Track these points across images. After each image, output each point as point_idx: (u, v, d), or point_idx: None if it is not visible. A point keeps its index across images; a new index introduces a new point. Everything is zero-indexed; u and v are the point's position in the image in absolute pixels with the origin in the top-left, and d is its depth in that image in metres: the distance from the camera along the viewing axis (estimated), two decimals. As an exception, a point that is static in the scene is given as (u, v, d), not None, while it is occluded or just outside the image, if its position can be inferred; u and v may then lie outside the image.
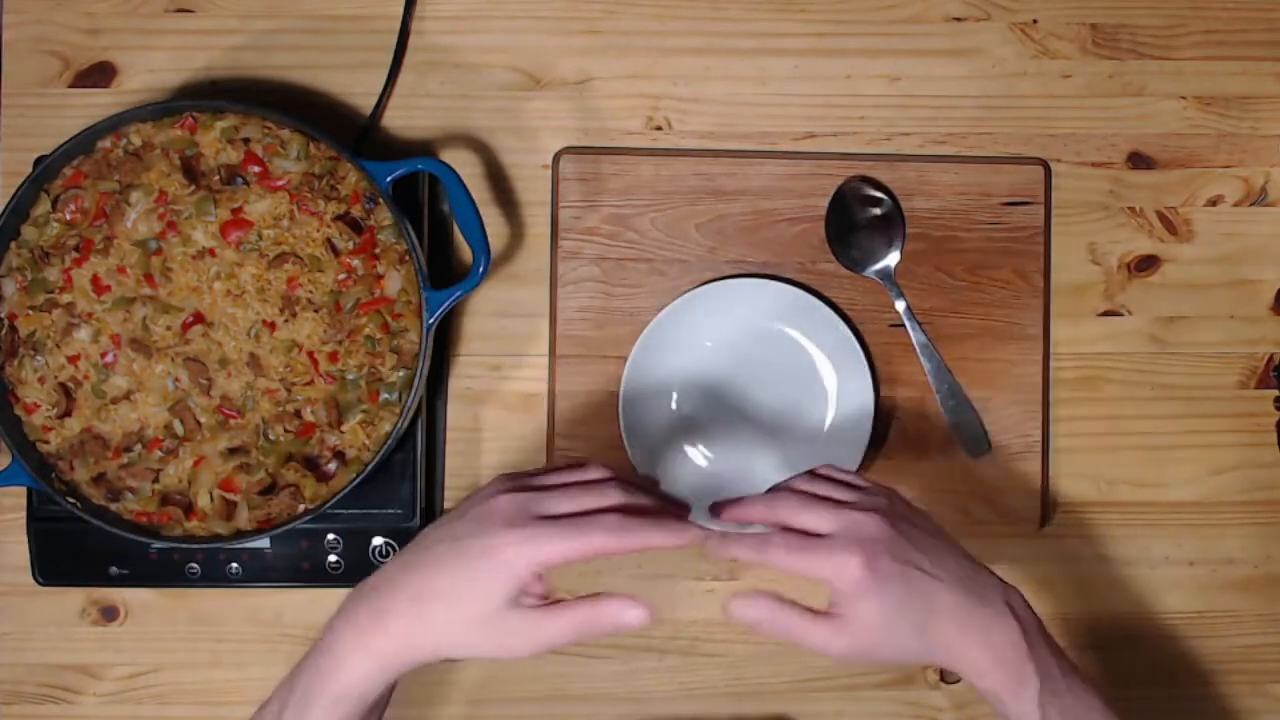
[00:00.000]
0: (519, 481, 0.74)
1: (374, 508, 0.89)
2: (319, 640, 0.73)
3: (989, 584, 0.75)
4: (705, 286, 0.92)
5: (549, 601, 0.71)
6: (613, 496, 0.72)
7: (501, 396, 0.94)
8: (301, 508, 0.84)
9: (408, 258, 0.85)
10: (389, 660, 0.71)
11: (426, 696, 0.92)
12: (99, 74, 0.93)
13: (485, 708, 0.93)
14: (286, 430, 0.85)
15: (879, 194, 0.93)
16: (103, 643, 0.93)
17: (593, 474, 0.74)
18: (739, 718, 0.94)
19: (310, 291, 0.85)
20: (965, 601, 0.73)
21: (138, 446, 0.85)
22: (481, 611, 0.70)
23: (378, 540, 0.89)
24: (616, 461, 0.91)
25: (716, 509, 0.77)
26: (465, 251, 0.94)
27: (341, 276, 0.85)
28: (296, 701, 0.72)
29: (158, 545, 0.88)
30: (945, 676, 0.94)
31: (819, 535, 0.72)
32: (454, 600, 0.70)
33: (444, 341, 0.93)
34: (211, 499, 0.85)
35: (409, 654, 0.71)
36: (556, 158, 0.93)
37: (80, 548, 0.89)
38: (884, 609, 0.71)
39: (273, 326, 0.85)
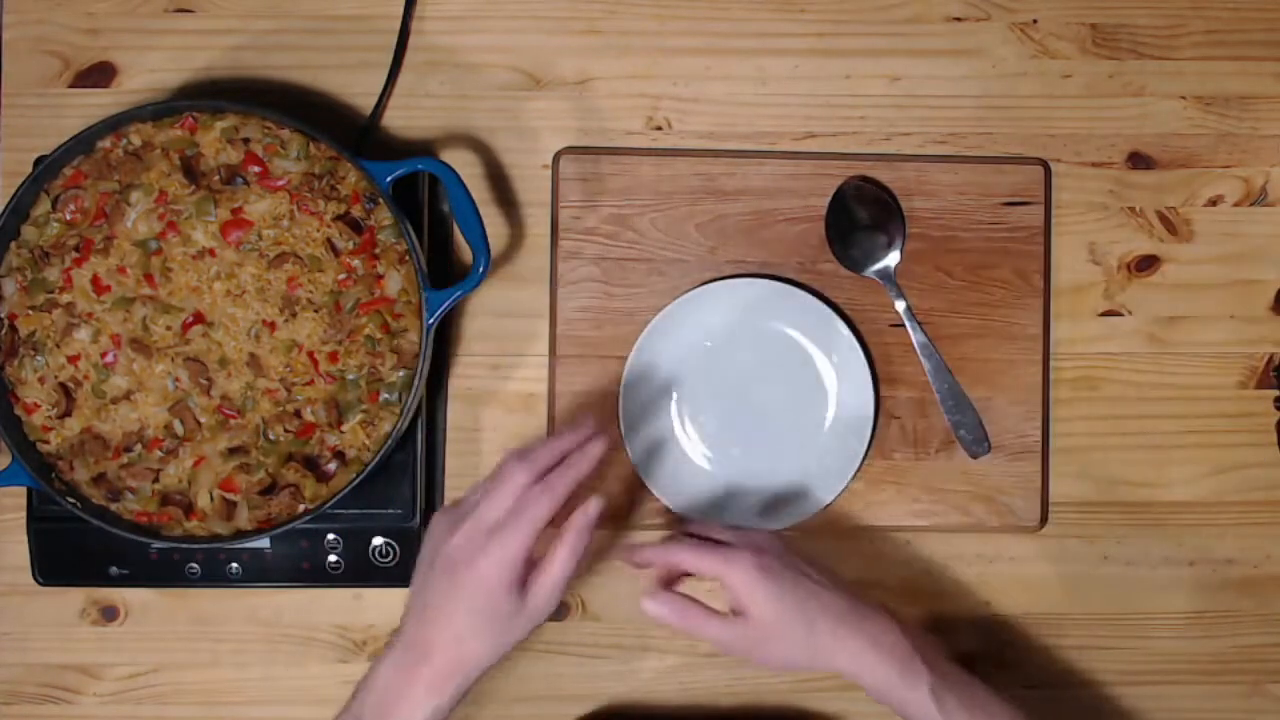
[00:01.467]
0: (455, 513, 0.79)
1: (374, 508, 0.89)
2: (359, 700, 0.78)
3: (869, 598, 0.84)
4: (705, 286, 0.92)
5: (534, 569, 0.78)
6: (520, 476, 0.78)
7: (501, 396, 0.94)
8: (301, 508, 0.84)
9: (408, 258, 0.85)
10: (443, 695, 0.77)
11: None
12: (99, 74, 0.93)
13: (486, 707, 0.93)
14: (286, 430, 0.85)
15: (879, 194, 0.93)
16: (103, 643, 0.93)
17: (506, 470, 0.79)
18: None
19: (310, 291, 0.85)
20: (848, 604, 0.82)
21: (138, 446, 0.85)
22: (506, 617, 0.77)
23: (378, 540, 0.89)
24: (616, 461, 0.92)
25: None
26: (465, 251, 0.94)
27: (341, 276, 0.85)
28: None
29: (158, 545, 0.88)
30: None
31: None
32: (483, 627, 0.77)
33: (444, 341, 0.93)
34: (211, 499, 0.85)
35: (464, 681, 0.77)
36: (556, 158, 0.93)
37: (80, 548, 0.89)
38: (773, 603, 0.80)
39: (273, 326, 0.85)
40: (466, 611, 0.77)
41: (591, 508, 0.79)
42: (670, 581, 0.85)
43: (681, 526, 0.88)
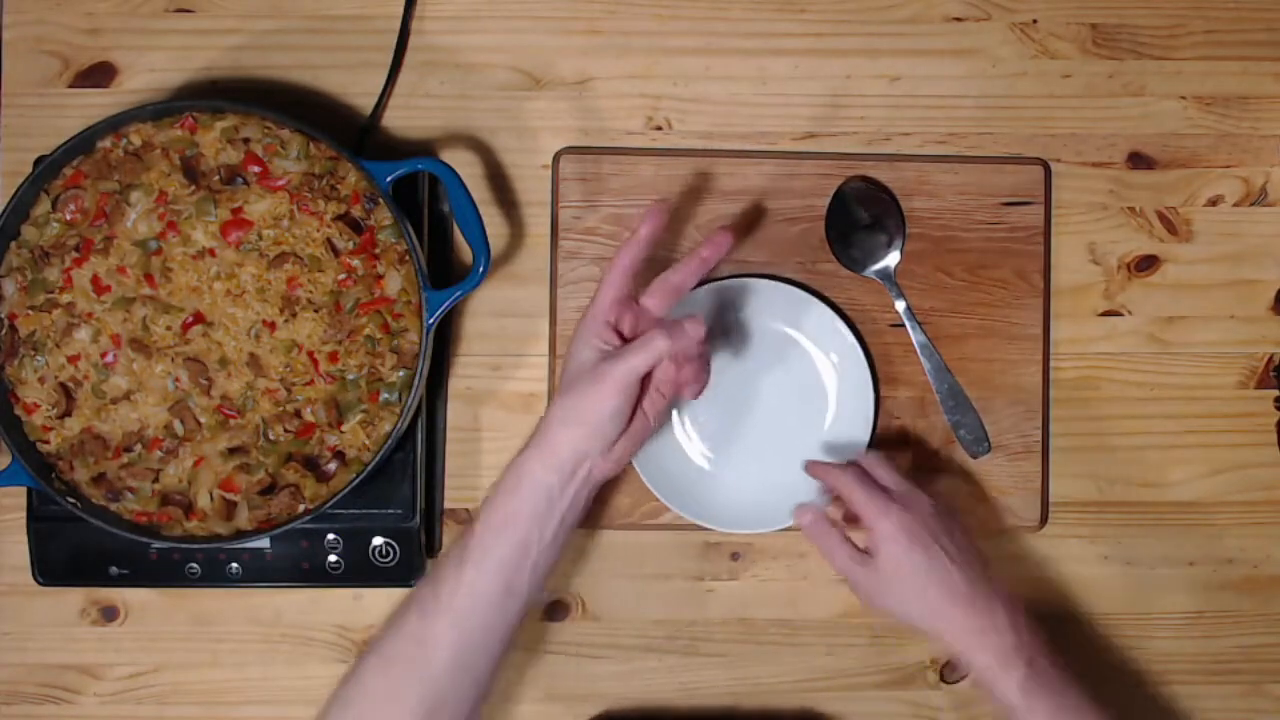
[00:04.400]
0: None
1: (374, 508, 0.89)
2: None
3: (995, 582, 0.85)
4: (705, 286, 0.92)
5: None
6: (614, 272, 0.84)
7: (501, 396, 0.94)
8: (301, 508, 0.84)
9: (408, 258, 0.85)
10: (555, 473, 0.80)
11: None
12: (99, 74, 0.93)
13: (486, 707, 0.93)
14: (286, 430, 0.85)
15: (879, 194, 0.93)
16: (103, 643, 0.93)
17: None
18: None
19: (310, 291, 0.85)
20: (967, 584, 0.83)
21: (138, 446, 0.85)
22: (576, 377, 0.81)
23: (378, 540, 0.89)
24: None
25: (808, 466, 0.90)
26: (465, 251, 0.94)
27: (341, 276, 0.85)
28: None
29: (158, 545, 0.88)
30: (945, 676, 0.94)
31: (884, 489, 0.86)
32: (571, 399, 0.80)
33: (444, 341, 0.93)
34: (211, 499, 0.85)
35: (562, 465, 0.80)
36: (556, 158, 0.93)
37: (80, 548, 0.89)
38: (898, 562, 0.83)
39: (273, 326, 0.85)
40: (564, 385, 0.81)
41: (695, 324, 0.81)
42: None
43: (863, 457, 0.89)
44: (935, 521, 0.84)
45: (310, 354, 0.85)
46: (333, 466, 0.85)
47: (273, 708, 0.93)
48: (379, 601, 0.93)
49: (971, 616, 0.82)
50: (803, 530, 0.87)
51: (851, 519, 0.88)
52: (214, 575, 0.89)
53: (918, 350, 0.93)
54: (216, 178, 0.85)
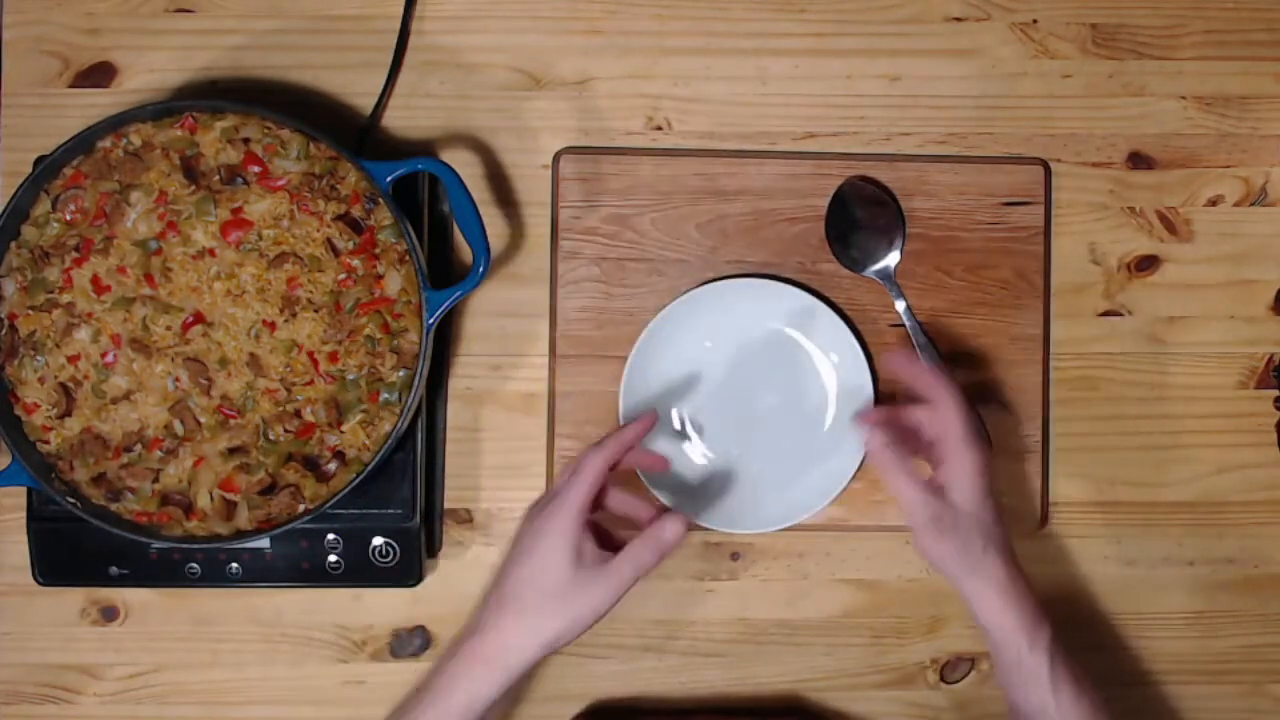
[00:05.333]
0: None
1: (374, 508, 0.89)
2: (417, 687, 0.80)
3: None
4: (705, 286, 0.92)
5: (606, 556, 0.80)
6: (594, 459, 0.82)
7: (501, 396, 0.94)
8: (301, 508, 0.84)
9: (408, 258, 0.85)
10: (483, 680, 0.79)
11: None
12: (99, 74, 0.93)
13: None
14: (286, 430, 0.85)
15: (879, 194, 0.93)
16: (103, 643, 0.93)
17: (581, 457, 0.83)
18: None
19: (310, 291, 0.85)
20: (1009, 542, 0.83)
21: (138, 446, 0.85)
22: (556, 583, 0.79)
23: (378, 540, 0.89)
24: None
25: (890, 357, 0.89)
26: (465, 251, 0.94)
27: (341, 276, 0.85)
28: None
29: (158, 545, 0.88)
30: (945, 676, 0.94)
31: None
32: (534, 600, 0.79)
33: (444, 341, 0.93)
34: (211, 499, 0.85)
35: (501, 666, 0.79)
36: (556, 158, 0.93)
37: (80, 548, 0.89)
38: (980, 498, 0.81)
39: (273, 326, 0.85)
40: (519, 578, 0.79)
41: (676, 527, 0.81)
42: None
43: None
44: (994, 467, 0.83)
45: (310, 354, 0.85)
46: (333, 466, 0.85)
47: (273, 708, 0.93)
48: (379, 601, 0.93)
49: (1018, 573, 0.82)
50: (870, 452, 0.82)
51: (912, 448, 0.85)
52: (214, 575, 0.89)
53: (918, 350, 0.93)
54: (216, 178, 0.85)
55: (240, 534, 0.84)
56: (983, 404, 0.93)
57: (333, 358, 0.85)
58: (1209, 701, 0.95)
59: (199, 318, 0.85)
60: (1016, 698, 0.82)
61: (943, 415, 0.83)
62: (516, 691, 0.93)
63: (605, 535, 0.83)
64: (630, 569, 0.80)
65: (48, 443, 0.85)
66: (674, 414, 0.93)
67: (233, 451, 0.85)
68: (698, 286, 0.92)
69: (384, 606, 0.93)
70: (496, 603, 0.80)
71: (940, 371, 0.85)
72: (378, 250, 0.85)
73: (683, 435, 0.93)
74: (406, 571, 0.89)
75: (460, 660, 0.79)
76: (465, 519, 0.93)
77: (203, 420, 0.85)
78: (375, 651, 0.93)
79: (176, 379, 0.85)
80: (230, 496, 0.85)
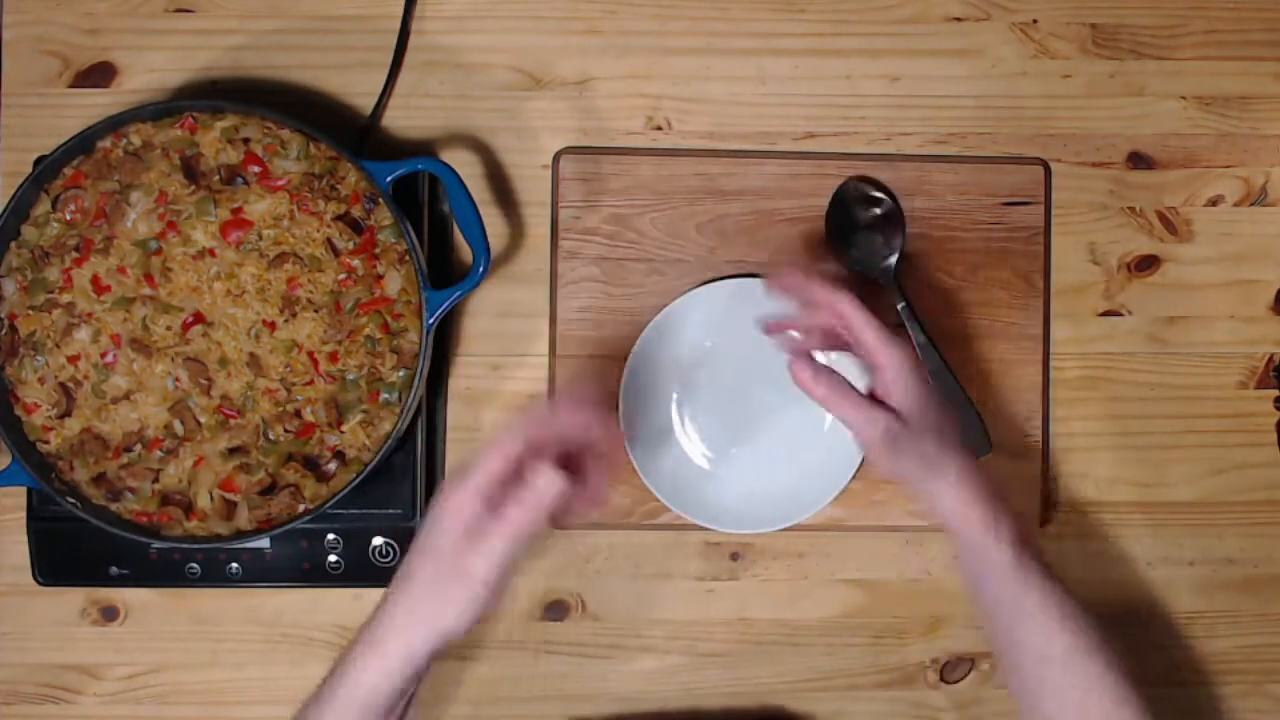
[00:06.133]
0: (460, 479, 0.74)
1: (374, 508, 0.89)
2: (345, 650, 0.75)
3: None
4: (705, 286, 0.92)
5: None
6: (508, 443, 0.74)
7: (501, 396, 0.94)
8: (301, 508, 0.84)
9: (408, 258, 0.85)
10: (397, 659, 0.73)
11: (433, 697, 0.92)
12: (99, 74, 0.93)
13: (487, 707, 0.93)
14: (286, 430, 0.85)
15: (879, 194, 0.93)
16: (103, 643, 0.93)
17: (501, 435, 0.75)
18: (731, 711, 0.94)
19: (310, 291, 0.85)
20: (959, 432, 0.80)
21: (138, 446, 0.85)
22: (441, 568, 0.72)
23: (378, 540, 0.89)
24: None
25: (781, 277, 0.81)
26: (465, 251, 0.94)
27: (341, 276, 0.85)
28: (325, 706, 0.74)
29: (158, 545, 0.88)
30: (945, 676, 0.94)
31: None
32: (420, 578, 0.73)
33: (444, 341, 0.93)
34: (211, 499, 0.85)
35: (381, 650, 0.73)
36: (556, 158, 0.93)
37: (80, 548, 0.89)
38: (920, 396, 0.78)
39: (273, 326, 0.85)
40: (413, 558, 0.73)
41: (547, 477, 0.72)
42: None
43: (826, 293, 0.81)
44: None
45: (310, 354, 0.85)
46: (333, 466, 0.85)
47: (273, 708, 0.93)
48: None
49: (959, 455, 0.79)
50: (806, 388, 0.79)
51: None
52: (214, 575, 0.89)
53: (918, 350, 0.93)
54: (216, 178, 0.85)
55: (240, 534, 0.84)
56: (983, 404, 0.93)
57: (333, 358, 0.85)
58: (1209, 702, 0.95)
59: (199, 318, 0.85)
60: (984, 590, 0.79)
61: (852, 324, 0.79)
62: (518, 690, 0.93)
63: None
64: (501, 539, 0.71)
65: (48, 443, 0.85)
66: (674, 414, 0.93)
67: (233, 451, 0.85)
68: (698, 286, 0.92)
69: (384, 606, 0.93)
70: (393, 584, 0.74)
71: (821, 279, 0.80)
72: (378, 250, 0.85)
73: (682, 435, 0.93)
74: (406, 571, 0.89)
75: (357, 646, 0.74)
76: (465, 519, 0.93)
77: (203, 420, 0.85)
78: (375, 651, 0.93)
79: (176, 379, 0.85)
80: (230, 496, 0.85)
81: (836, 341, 0.81)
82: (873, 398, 0.79)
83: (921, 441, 0.78)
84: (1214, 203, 0.96)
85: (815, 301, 0.81)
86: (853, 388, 0.79)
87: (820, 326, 0.81)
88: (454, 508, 0.72)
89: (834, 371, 0.80)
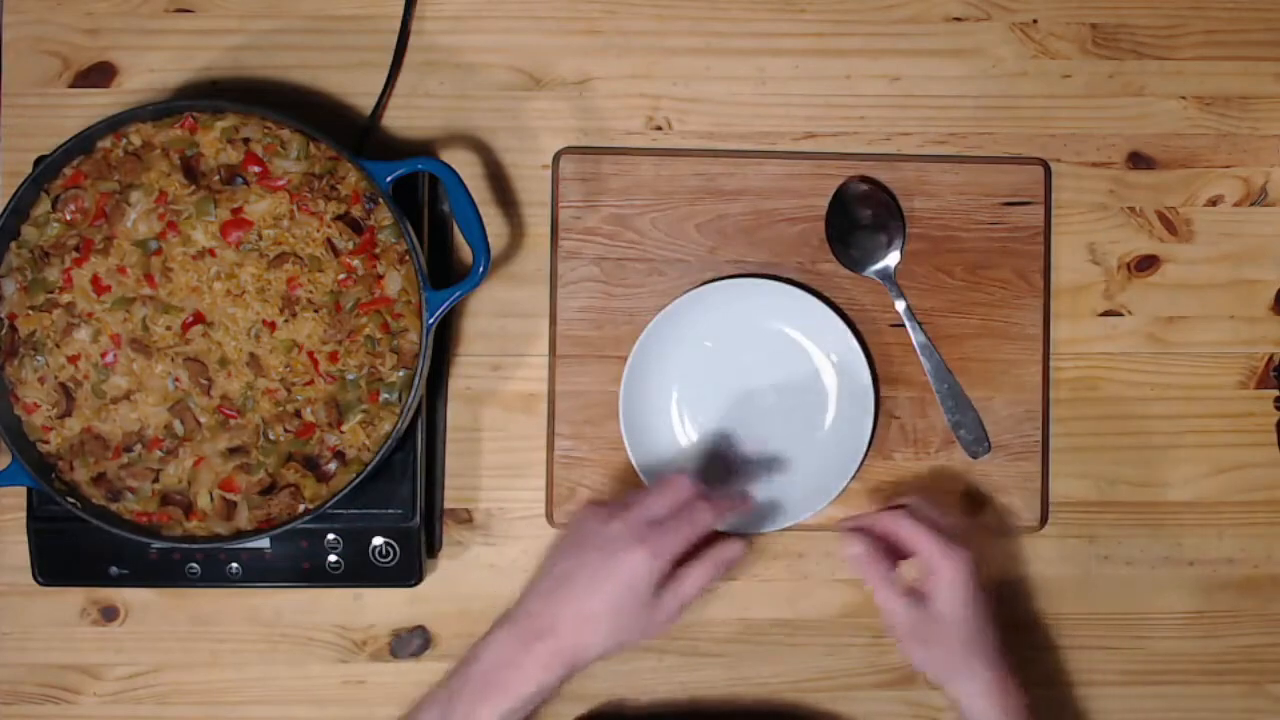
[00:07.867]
0: (612, 506, 0.83)
1: (374, 508, 0.89)
2: (464, 670, 0.79)
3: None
4: (705, 286, 0.92)
5: (670, 577, 0.81)
6: (688, 488, 0.83)
7: (501, 396, 0.94)
8: (301, 508, 0.84)
9: (408, 258, 0.85)
10: (553, 673, 0.79)
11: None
12: (99, 74, 0.93)
13: (485, 708, 0.93)
14: (286, 430, 0.85)
15: (879, 194, 0.93)
16: (103, 643, 0.93)
17: (675, 480, 0.84)
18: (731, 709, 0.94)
19: (310, 291, 0.85)
20: (996, 643, 0.84)
21: (138, 446, 0.85)
22: (634, 613, 0.80)
23: (378, 540, 0.89)
24: (617, 461, 0.92)
25: (847, 523, 0.88)
26: (465, 251, 0.94)
27: (341, 276, 0.85)
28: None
29: (158, 545, 0.88)
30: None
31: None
32: (613, 616, 0.79)
33: (444, 341, 0.93)
34: (211, 499, 0.85)
35: (576, 664, 0.79)
36: (556, 158, 0.93)
37: (80, 548, 0.89)
38: (964, 613, 0.82)
39: (273, 326, 0.85)
40: (604, 595, 0.79)
41: (736, 548, 0.83)
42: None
43: (903, 501, 0.87)
44: (982, 567, 0.84)
45: (310, 354, 0.85)
46: (333, 466, 0.85)
47: (273, 708, 0.93)
48: (379, 601, 0.93)
49: (991, 669, 0.83)
50: (850, 561, 0.85)
51: (898, 553, 0.86)
52: (214, 575, 0.89)
53: (918, 350, 0.93)
54: (216, 178, 0.85)
55: (240, 534, 0.84)
56: (983, 404, 0.93)
57: (333, 358, 0.85)
58: (1209, 701, 0.95)
59: (199, 318, 0.85)
60: None
61: (910, 544, 0.84)
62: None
63: None
64: (693, 596, 0.81)
65: (48, 443, 0.85)
66: (674, 414, 0.93)
67: (233, 451, 0.85)
68: (698, 286, 0.92)
69: (384, 606, 0.93)
70: (576, 617, 0.79)
71: (906, 513, 0.85)
72: (378, 250, 0.85)
73: (683, 435, 0.93)
74: (406, 571, 0.89)
75: (532, 655, 0.78)
76: (465, 519, 0.93)
77: (203, 420, 0.85)
78: (375, 651, 0.93)
79: (176, 379, 0.85)
80: (230, 496, 0.85)
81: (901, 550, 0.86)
82: (916, 589, 0.83)
83: (949, 646, 0.83)
84: (1214, 203, 0.96)
85: (879, 533, 0.85)
86: (893, 575, 0.84)
87: (883, 535, 0.86)
88: (646, 575, 0.79)
89: (879, 556, 0.84)
